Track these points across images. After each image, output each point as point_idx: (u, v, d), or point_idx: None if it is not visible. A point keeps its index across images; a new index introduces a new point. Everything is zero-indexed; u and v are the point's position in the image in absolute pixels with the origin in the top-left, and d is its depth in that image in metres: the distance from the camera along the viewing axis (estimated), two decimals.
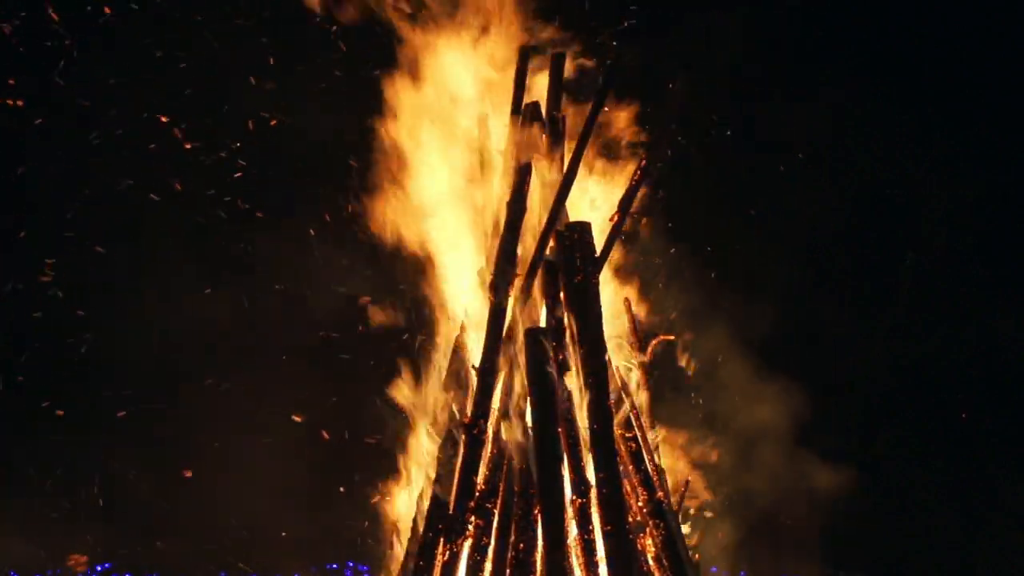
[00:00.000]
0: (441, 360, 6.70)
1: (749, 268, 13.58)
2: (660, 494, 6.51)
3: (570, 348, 6.40)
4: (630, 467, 6.51)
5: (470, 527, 6.13)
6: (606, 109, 6.44)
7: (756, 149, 14.06)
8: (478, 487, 6.21)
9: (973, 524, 13.03)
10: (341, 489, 6.93)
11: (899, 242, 14.32)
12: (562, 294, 6.49)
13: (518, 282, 6.54)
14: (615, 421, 6.35)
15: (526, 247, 6.62)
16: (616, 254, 6.92)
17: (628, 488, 6.44)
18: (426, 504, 6.29)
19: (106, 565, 10.22)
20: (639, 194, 6.70)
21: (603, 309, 6.49)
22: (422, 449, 6.58)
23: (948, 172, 13.90)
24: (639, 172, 6.61)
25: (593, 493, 6.07)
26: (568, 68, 6.90)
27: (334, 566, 6.69)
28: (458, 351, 6.66)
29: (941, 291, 13.83)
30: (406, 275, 6.85)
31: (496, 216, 6.73)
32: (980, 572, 12.82)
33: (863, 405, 13.83)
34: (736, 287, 13.41)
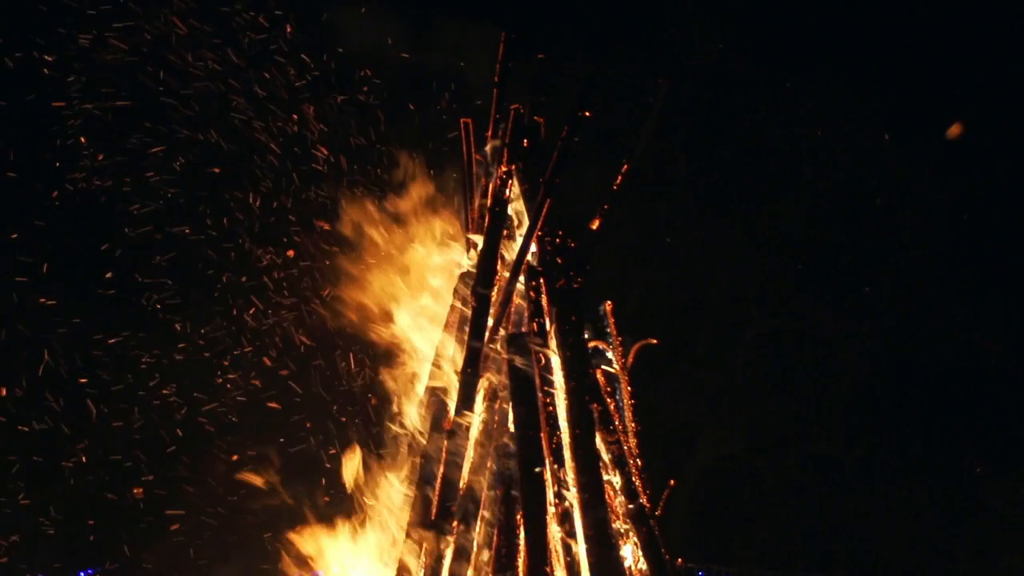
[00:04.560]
0: (423, 365, 6.71)
1: (733, 271, 13.64)
2: (642, 498, 6.53)
3: (552, 352, 6.41)
4: (612, 471, 6.52)
5: (453, 532, 6.14)
6: (587, 114, 6.46)
7: (740, 153, 14.14)
8: (460, 491, 6.21)
9: (955, 523, 13.12)
10: (326, 498, 6.95)
11: (880, 244, 14.43)
12: (544, 298, 6.51)
13: (500, 286, 6.55)
14: (597, 425, 6.37)
15: (508, 251, 6.65)
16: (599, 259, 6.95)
17: (610, 492, 6.46)
18: (409, 509, 6.29)
19: (90, 571, 10.17)
20: (621, 199, 6.74)
21: (584, 313, 6.51)
22: (405, 454, 6.59)
23: (927, 175, 14.02)
24: (620, 178, 6.65)
25: (575, 497, 6.08)
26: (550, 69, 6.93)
27: (319, 573, 6.71)
28: (440, 356, 6.66)
29: (922, 293, 13.93)
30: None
31: (479, 221, 6.76)
32: (962, 570, 12.91)
33: (846, 406, 13.90)
34: (720, 290, 13.48)
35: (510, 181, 6.70)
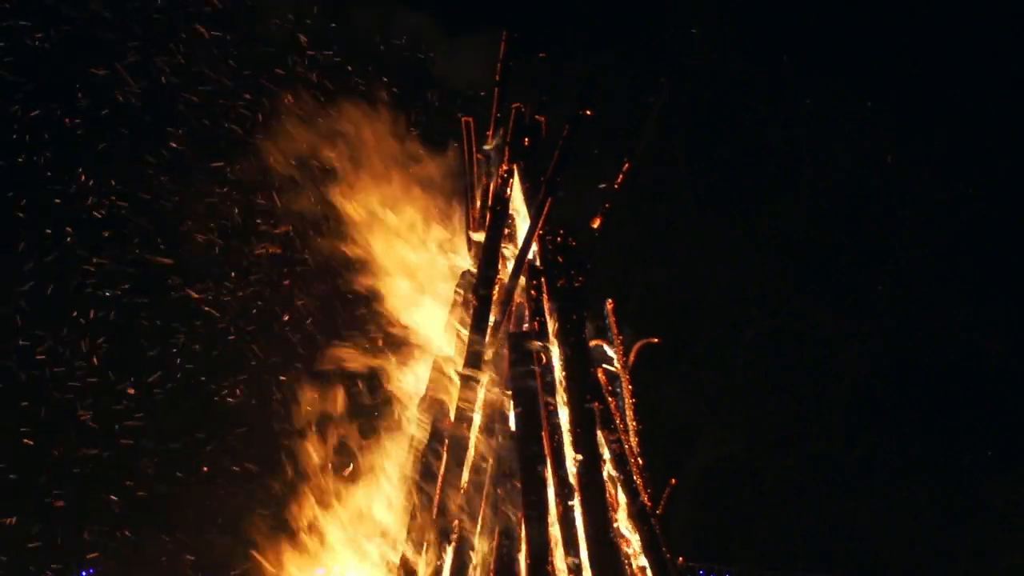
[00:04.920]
0: (425, 365, 6.70)
1: (733, 271, 13.65)
2: (644, 497, 6.53)
3: (553, 351, 6.42)
4: (614, 470, 6.52)
5: (454, 531, 6.13)
6: (589, 113, 6.45)
7: (740, 153, 14.15)
8: (462, 491, 6.21)
9: (955, 523, 13.12)
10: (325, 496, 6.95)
11: (880, 244, 14.45)
12: (545, 297, 6.51)
13: (501, 285, 6.55)
14: (598, 424, 6.37)
15: (509, 250, 6.65)
16: (599, 258, 6.95)
17: (611, 491, 6.45)
18: (410, 509, 6.29)
19: (91, 570, 10.17)
20: (622, 198, 6.74)
21: (585, 312, 6.52)
22: (406, 453, 6.58)
23: (927, 175, 14.03)
24: (621, 177, 6.65)
25: (577, 496, 6.07)
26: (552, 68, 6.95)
27: (321, 571, 6.71)
28: (441, 355, 6.65)
29: (922, 293, 13.94)
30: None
31: (480, 219, 6.76)
32: (962, 570, 12.91)
33: (846, 406, 13.90)
34: (720, 290, 13.48)
35: (511, 180, 6.70)
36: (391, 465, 6.71)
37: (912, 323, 13.72)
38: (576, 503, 6.07)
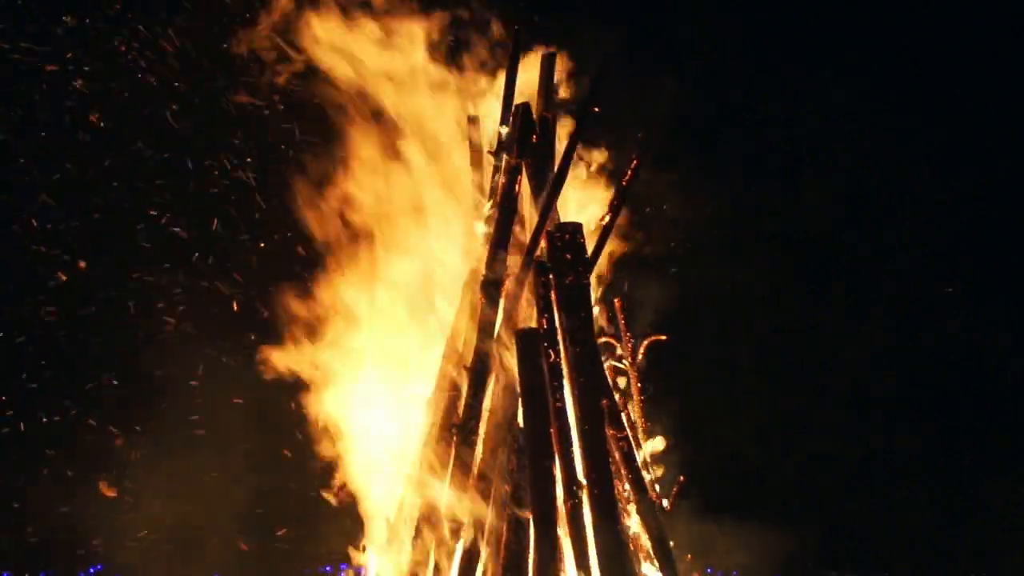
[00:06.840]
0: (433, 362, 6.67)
1: (737, 268, 13.65)
2: (652, 494, 6.51)
3: (561, 348, 6.39)
4: (622, 467, 6.50)
5: (462, 529, 6.11)
6: (596, 110, 6.43)
7: (740, 152, 14.16)
8: (470, 488, 6.18)
9: (955, 523, 13.13)
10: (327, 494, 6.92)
11: (880, 244, 14.46)
12: (553, 294, 6.48)
13: (509, 282, 6.52)
14: (606, 422, 6.34)
15: (517, 247, 6.63)
16: (606, 255, 6.93)
17: (620, 488, 6.43)
18: (418, 507, 6.26)
19: (98, 567, 10.13)
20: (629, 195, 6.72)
21: (594, 309, 6.49)
22: (414, 451, 6.55)
23: (927, 175, 14.06)
24: (630, 173, 6.63)
25: (585, 493, 6.05)
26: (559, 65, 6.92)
27: (327, 568, 6.67)
28: (449, 352, 6.63)
29: (922, 293, 13.95)
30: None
31: (487, 217, 6.73)
32: (962, 570, 12.92)
33: (846, 406, 13.90)
34: (724, 288, 13.48)
35: (519, 176, 6.67)
36: (398, 463, 6.68)
37: (912, 323, 13.73)
38: (584, 500, 6.05)
